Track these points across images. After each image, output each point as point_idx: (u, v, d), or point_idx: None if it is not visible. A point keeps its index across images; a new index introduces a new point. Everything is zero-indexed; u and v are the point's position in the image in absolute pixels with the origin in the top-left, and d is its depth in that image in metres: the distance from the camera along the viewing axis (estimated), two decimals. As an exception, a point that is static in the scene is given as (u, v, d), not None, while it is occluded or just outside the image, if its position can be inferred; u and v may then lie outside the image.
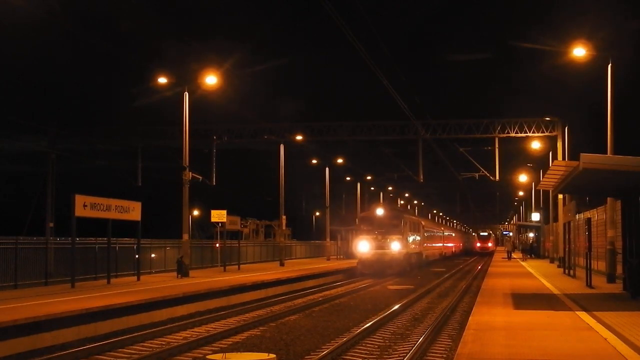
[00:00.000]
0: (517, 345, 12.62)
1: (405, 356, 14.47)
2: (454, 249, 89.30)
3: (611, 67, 27.82)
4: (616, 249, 27.45)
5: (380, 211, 45.82)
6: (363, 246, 43.96)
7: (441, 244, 73.08)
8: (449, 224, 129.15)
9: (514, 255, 64.29)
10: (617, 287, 25.44)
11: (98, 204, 25.69)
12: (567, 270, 35.72)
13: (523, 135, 48.74)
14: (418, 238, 51.55)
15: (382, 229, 44.04)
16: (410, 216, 51.92)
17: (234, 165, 74.07)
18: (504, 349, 12.25)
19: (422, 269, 50.55)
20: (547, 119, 47.70)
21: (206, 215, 45.11)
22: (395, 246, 43.66)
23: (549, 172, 25.07)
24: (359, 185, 75.71)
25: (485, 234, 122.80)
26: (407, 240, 45.68)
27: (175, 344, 16.24)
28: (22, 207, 50.31)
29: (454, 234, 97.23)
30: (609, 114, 27.75)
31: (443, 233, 78.09)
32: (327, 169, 63.85)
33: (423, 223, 57.27)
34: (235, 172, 75.98)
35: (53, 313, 16.80)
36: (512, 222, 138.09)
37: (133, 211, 28.13)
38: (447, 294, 31.00)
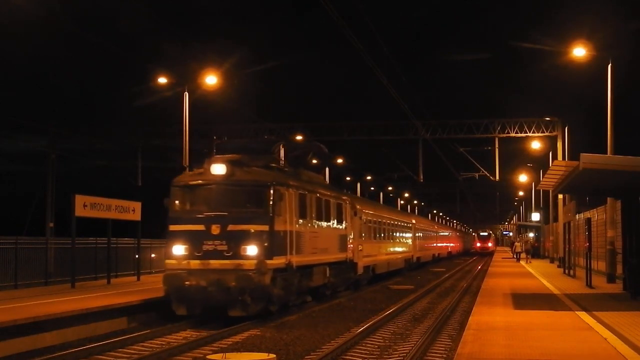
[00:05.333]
0: (517, 345, 12.62)
1: (405, 356, 14.47)
2: (450, 250, 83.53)
3: (611, 67, 27.83)
4: (616, 249, 27.44)
5: (219, 168, 20.19)
6: (177, 250, 19.85)
7: (435, 245, 66.33)
8: (449, 224, 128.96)
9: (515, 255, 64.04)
10: (617, 287, 25.44)
11: (98, 204, 25.68)
12: (567, 270, 35.72)
13: (523, 135, 48.75)
14: (369, 237, 32.84)
15: (224, 210, 19.76)
16: (301, 184, 22.95)
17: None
18: (504, 349, 12.25)
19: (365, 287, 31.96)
20: (547, 119, 47.70)
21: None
22: (251, 251, 19.34)
23: (549, 172, 25.09)
24: (359, 185, 75.67)
25: (485, 234, 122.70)
26: (278, 239, 20.16)
27: (176, 343, 16.25)
28: (22, 207, 50.31)
29: (451, 234, 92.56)
30: (609, 114, 27.76)
31: (437, 233, 70.45)
32: (327, 169, 63.79)
33: (387, 215, 39.62)
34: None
35: (53, 313, 16.80)
36: (512, 222, 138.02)
37: (133, 211, 28.12)
38: (447, 294, 30.99)
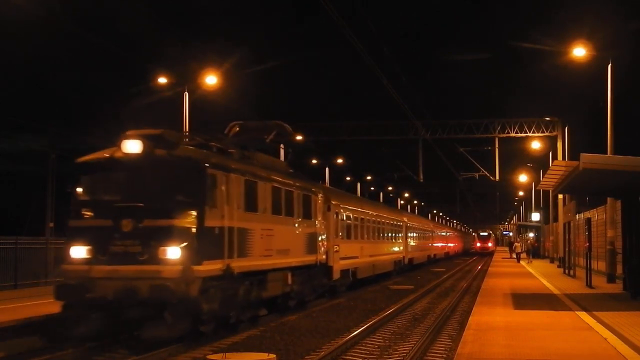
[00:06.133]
0: (517, 345, 12.62)
1: (405, 356, 14.47)
2: (447, 250, 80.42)
3: (611, 67, 27.84)
4: (616, 249, 27.45)
5: (133, 145, 15.55)
6: (76, 253, 15.23)
7: (430, 245, 62.02)
8: (448, 224, 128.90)
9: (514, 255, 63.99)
10: (617, 287, 25.44)
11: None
12: (567, 270, 35.72)
13: (523, 135, 48.77)
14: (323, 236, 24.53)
15: (138, 200, 15.20)
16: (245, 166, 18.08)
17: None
18: (504, 349, 12.25)
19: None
20: (547, 119, 47.72)
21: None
22: (173, 253, 14.74)
23: (549, 172, 25.10)
24: (359, 185, 75.70)
25: (485, 234, 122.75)
26: (211, 237, 15.58)
27: (175, 343, 16.21)
28: (22, 207, 50.31)
29: (448, 233, 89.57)
30: (609, 114, 27.77)
31: (433, 232, 65.60)
32: (327, 169, 63.83)
33: (372, 212, 35.43)
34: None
35: (53, 313, 16.78)
36: (512, 222, 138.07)
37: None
38: (447, 293, 30.97)
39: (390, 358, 14.74)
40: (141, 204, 15.02)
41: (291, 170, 23.13)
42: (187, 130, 32.95)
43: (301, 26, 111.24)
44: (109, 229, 14.91)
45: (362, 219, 32.26)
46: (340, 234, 27.36)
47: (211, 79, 32.73)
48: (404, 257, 44.33)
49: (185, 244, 14.79)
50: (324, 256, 24.22)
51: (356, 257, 30.41)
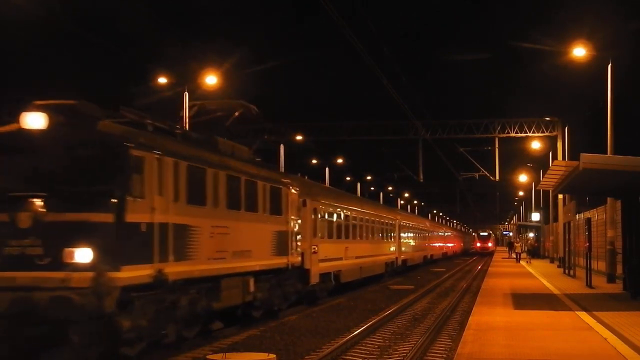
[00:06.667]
0: (517, 345, 12.62)
1: (405, 356, 14.47)
2: (445, 251, 78.35)
3: (611, 67, 27.85)
4: (616, 249, 27.46)
5: (35, 119, 12.36)
6: None
7: (427, 245, 59.68)
8: (448, 223, 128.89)
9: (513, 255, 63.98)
10: (617, 287, 25.44)
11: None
12: (567, 270, 35.73)
13: (523, 135, 48.78)
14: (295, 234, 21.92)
15: (40, 189, 12.13)
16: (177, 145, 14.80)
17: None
18: (504, 349, 12.25)
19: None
20: (547, 119, 47.73)
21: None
22: (83, 256, 11.74)
23: (549, 172, 25.11)
24: (359, 185, 75.71)
25: (485, 234, 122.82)
26: (136, 236, 12.49)
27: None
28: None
29: (447, 233, 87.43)
30: (609, 114, 27.78)
31: (430, 232, 63.12)
32: (327, 169, 63.85)
33: (357, 209, 32.27)
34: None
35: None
36: (512, 222, 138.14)
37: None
38: (447, 293, 30.98)
39: (390, 358, 14.74)
40: (44, 194, 11.95)
41: (259, 160, 20.43)
42: (188, 128, 32.88)
43: (301, 26, 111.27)
44: (3, 226, 11.87)
45: (346, 216, 29.59)
46: (320, 233, 24.85)
47: (211, 79, 32.72)
48: (396, 258, 41.83)
49: (98, 244, 11.71)
50: (298, 258, 21.53)
51: (339, 259, 27.75)
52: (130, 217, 12.21)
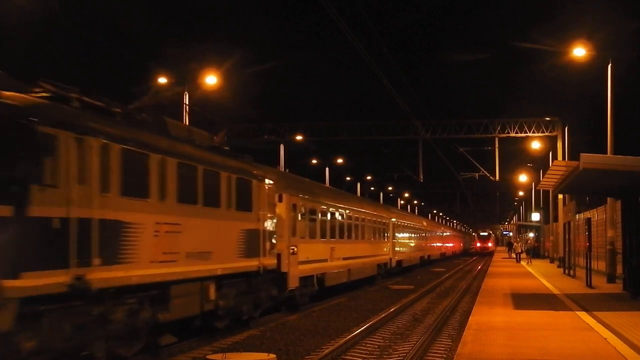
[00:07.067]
0: (517, 345, 12.62)
1: (405, 356, 14.47)
2: (444, 251, 76.72)
3: (611, 67, 27.86)
4: (616, 249, 27.47)
5: None
6: None
7: (425, 245, 57.97)
8: (448, 223, 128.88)
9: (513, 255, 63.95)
10: (617, 287, 25.45)
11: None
12: (567, 270, 35.72)
13: (523, 135, 48.76)
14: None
15: None
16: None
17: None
18: (504, 349, 12.25)
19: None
20: (547, 119, 47.73)
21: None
22: None
23: (549, 172, 25.11)
24: (359, 185, 75.74)
25: (485, 234, 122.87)
26: (43, 233, 10.14)
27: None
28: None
29: (446, 233, 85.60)
30: (609, 114, 27.79)
31: (428, 232, 61.11)
32: (327, 169, 63.86)
33: (345, 206, 29.72)
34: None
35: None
36: (512, 222, 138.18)
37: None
38: (447, 294, 30.98)
39: (390, 358, 14.74)
40: None
41: (227, 148, 17.91)
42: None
43: (301, 26, 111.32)
44: None
45: (333, 214, 27.29)
46: (300, 232, 22.72)
47: (211, 79, 32.73)
48: (390, 259, 39.86)
49: None
50: (273, 260, 19.25)
51: (324, 261, 25.61)
52: (36, 211, 9.86)
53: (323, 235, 25.79)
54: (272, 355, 13.07)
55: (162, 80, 32.85)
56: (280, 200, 20.74)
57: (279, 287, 20.14)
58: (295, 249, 21.87)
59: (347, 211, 29.87)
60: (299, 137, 49.01)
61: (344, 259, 28.51)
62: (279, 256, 20.06)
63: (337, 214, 27.95)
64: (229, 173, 16.20)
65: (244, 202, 17.08)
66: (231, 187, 16.29)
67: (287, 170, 43.28)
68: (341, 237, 28.39)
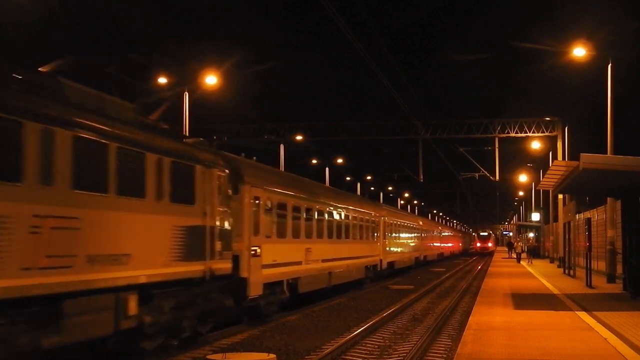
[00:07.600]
0: (517, 345, 12.62)
1: (405, 356, 14.47)
2: (442, 251, 74.49)
3: (611, 67, 27.85)
4: (616, 249, 27.46)
5: None
6: None
7: (421, 245, 55.43)
8: (448, 223, 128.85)
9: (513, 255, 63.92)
10: (617, 287, 25.44)
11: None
12: (567, 270, 35.72)
13: (523, 135, 48.77)
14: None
15: None
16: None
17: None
18: (504, 349, 12.25)
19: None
20: (547, 119, 47.74)
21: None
22: None
23: (549, 172, 25.10)
24: (359, 185, 75.72)
25: (485, 234, 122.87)
26: None
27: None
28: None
29: (444, 233, 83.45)
30: (609, 114, 27.78)
31: (424, 231, 58.82)
32: (327, 169, 63.84)
33: (325, 201, 26.47)
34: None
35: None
36: (512, 222, 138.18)
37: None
38: (447, 294, 30.98)
39: (390, 358, 14.74)
40: None
41: (164, 125, 14.81)
42: (187, 129, 32.91)
43: (301, 26, 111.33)
44: None
45: (309, 210, 23.97)
46: (265, 229, 19.41)
47: (211, 79, 32.73)
48: (380, 260, 36.55)
49: None
50: (227, 264, 16.17)
51: (297, 264, 22.32)
52: None
53: (296, 235, 22.42)
54: (272, 355, 13.07)
55: (162, 80, 32.88)
56: (236, 192, 17.51)
57: (236, 296, 17.06)
58: (259, 250, 18.63)
59: (328, 207, 26.63)
60: (299, 137, 49.02)
61: (324, 261, 25.28)
62: (236, 259, 17.07)
63: (314, 211, 24.62)
64: (159, 155, 13.03)
65: (183, 192, 13.93)
66: (163, 173, 13.13)
67: (288, 171, 42.59)
68: (320, 236, 25.17)
